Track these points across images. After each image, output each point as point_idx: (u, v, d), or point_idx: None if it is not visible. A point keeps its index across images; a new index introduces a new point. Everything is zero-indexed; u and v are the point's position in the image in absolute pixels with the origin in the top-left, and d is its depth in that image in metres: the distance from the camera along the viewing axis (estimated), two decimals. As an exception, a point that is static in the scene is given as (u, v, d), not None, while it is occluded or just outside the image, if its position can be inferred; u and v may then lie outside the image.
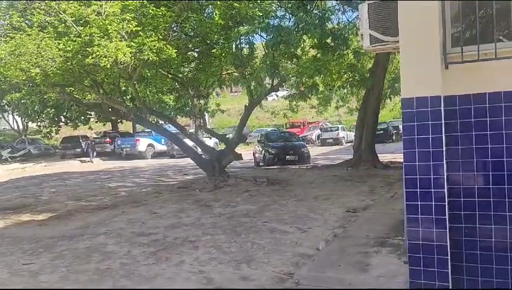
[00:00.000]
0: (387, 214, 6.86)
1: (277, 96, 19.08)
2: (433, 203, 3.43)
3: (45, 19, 9.73)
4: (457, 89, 3.48)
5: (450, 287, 3.41)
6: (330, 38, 10.73)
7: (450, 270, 3.41)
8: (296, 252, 5.35)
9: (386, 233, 5.65)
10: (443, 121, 3.41)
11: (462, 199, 3.52)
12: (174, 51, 9.67)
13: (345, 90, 17.81)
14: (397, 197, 8.13)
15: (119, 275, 4.86)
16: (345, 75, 14.91)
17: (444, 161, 3.41)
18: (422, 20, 3.43)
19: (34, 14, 9.73)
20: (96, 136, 33.39)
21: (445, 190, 3.41)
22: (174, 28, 10.93)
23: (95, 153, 27.73)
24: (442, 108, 3.41)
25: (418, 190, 3.48)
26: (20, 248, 6.38)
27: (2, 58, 9.42)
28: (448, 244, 3.41)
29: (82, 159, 27.55)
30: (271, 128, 33.05)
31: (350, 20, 12.56)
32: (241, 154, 14.23)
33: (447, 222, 3.41)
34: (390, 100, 19.94)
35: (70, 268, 5.24)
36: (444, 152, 3.42)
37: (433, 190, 3.42)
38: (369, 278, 4.10)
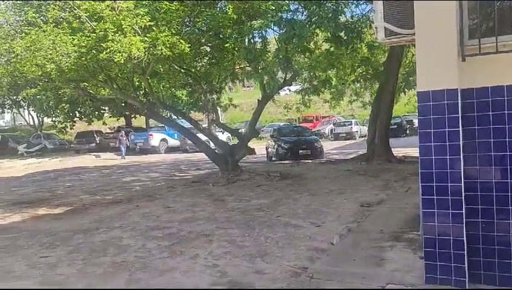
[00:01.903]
0: (401, 209, 6.81)
1: (290, 90, 19.02)
2: (450, 197, 3.40)
3: (60, 15, 9.81)
4: (474, 82, 3.44)
5: (467, 282, 3.38)
6: (343, 31, 10.64)
7: (466, 265, 3.38)
8: (310, 247, 5.35)
9: (400, 228, 5.61)
10: (460, 115, 3.37)
11: (479, 193, 3.48)
12: (187, 45, 9.67)
13: (358, 84, 17.69)
14: (412, 191, 8.08)
15: (134, 268, 4.92)
16: (359, 69, 14.80)
17: (461, 155, 3.38)
18: (439, 12, 3.39)
19: (49, 10, 9.81)
20: (110, 131, 33.69)
21: (462, 184, 3.38)
22: (187, 23, 10.93)
23: (125, 149, 25.56)
24: (459, 101, 3.37)
25: (434, 184, 3.46)
26: (38, 241, 6.49)
27: (18, 54, 9.53)
28: (465, 239, 3.38)
29: (96, 154, 27.83)
30: (284, 123, 32.99)
31: (364, 13, 12.43)
32: (254, 148, 14.23)
33: (464, 217, 3.38)
34: (405, 94, 19.77)
35: (86, 261, 5.31)
36: (461, 146, 3.38)
37: (449, 184, 3.40)
38: (383, 272, 4.08)
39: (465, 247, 3.38)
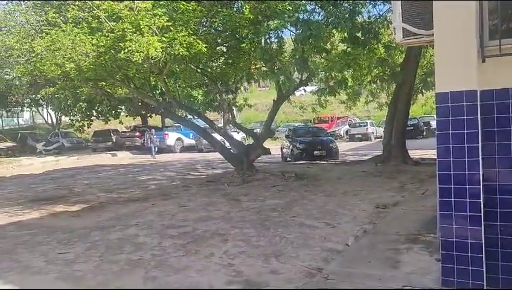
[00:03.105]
0: (418, 211, 6.74)
1: (305, 91, 18.96)
2: (468, 200, 3.36)
3: (79, 15, 9.95)
4: (494, 83, 3.39)
5: (485, 286, 3.34)
6: (360, 32, 10.59)
7: (484, 269, 3.34)
8: (324, 247, 5.33)
9: (417, 230, 5.56)
10: (479, 116, 3.33)
11: (498, 196, 3.43)
12: (204, 45, 9.73)
13: (375, 85, 17.57)
14: (428, 194, 7.99)
15: (150, 266, 4.96)
16: (375, 70, 14.69)
17: (480, 157, 3.34)
18: (459, 12, 3.35)
19: (68, 10, 9.96)
20: (126, 130, 34.01)
21: (481, 187, 3.33)
22: (204, 23, 11.00)
23: (156, 148, 25.24)
24: (478, 103, 3.33)
25: (452, 186, 3.42)
26: (56, 237, 6.59)
27: (38, 53, 9.69)
28: (483, 242, 3.34)
29: (113, 152, 28.16)
30: (299, 123, 32.92)
31: (381, 13, 12.33)
32: (269, 148, 14.23)
33: (482, 219, 3.34)
34: (422, 95, 19.56)
35: (103, 258, 5.38)
36: (480, 148, 3.34)
37: (467, 187, 3.36)
38: (399, 274, 4.05)
39: (483, 250, 3.34)
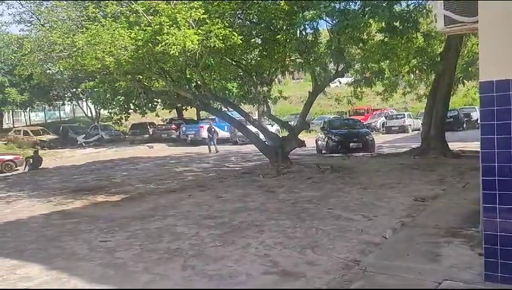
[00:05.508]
0: (458, 204, 6.56)
1: (340, 82, 18.62)
2: (513, 192, 3.25)
3: (118, 10, 10.18)
4: (543, 71, 3.25)
5: (531, 281, 3.23)
6: (398, 21, 10.32)
7: (530, 264, 3.23)
8: (361, 240, 5.28)
9: (457, 223, 5.42)
10: (526, 106, 3.20)
11: (545, 189, 3.30)
12: (239, 37, 9.75)
13: (413, 76, 17.13)
14: (469, 187, 7.76)
15: (188, 255, 5.07)
16: (414, 60, 14.31)
17: (527, 148, 3.21)
18: (505, -2, 3.22)
19: (107, 5, 10.20)
20: (162, 123, 34.58)
21: (528, 179, 3.22)
22: (239, 15, 11.02)
23: (215, 141, 23.12)
24: (525, 92, 3.20)
25: (497, 178, 3.32)
26: (97, 226, 6.83)
27: (79, 47, 9.99)
28: (530, 236, 3.23)
29: (149, 144, 28.72)
30: (334, 116, 32.54)
31: (420, 1, 11.97)
32: (304, 141, 14.16)
33: (529, 213, 3.23)
34: (464, 85, 18.93)
35: (143, 247, 5.53)
36: (527, 139, 3.22)
37: (513, 179, 3.24)
38: (440, 268, 3.97)
39: (529, 245, 3.23)
